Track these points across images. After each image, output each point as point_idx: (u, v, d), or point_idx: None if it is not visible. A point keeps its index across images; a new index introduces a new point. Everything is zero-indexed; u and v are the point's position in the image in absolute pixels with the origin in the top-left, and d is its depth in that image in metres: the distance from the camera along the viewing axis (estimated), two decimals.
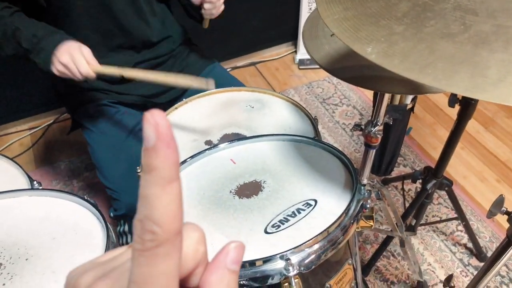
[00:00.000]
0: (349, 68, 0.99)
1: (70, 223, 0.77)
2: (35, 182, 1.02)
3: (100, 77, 1.25)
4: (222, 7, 1.22)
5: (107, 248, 0.70)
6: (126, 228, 1.28)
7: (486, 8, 0.54)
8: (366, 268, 1.53)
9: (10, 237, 0.75)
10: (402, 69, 0.51)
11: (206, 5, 1.19)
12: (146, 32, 1.26)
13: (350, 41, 0.57)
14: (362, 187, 0.73)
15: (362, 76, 0.97)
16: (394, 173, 1.85)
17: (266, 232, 0.70)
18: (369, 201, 0.72)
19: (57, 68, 1.06)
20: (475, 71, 0.49)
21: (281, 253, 0.63)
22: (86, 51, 1.07)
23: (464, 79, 0.48)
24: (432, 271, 1.55)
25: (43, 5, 1.13)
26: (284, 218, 0.72)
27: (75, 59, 1.04)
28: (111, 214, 1.33)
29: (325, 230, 0.66)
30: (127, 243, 1.29)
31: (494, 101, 0.45)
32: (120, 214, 1.24)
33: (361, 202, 0.72)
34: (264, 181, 0.82)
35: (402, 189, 1.77)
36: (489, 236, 1.64)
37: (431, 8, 0.58)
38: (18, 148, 2.02)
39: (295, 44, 2.44)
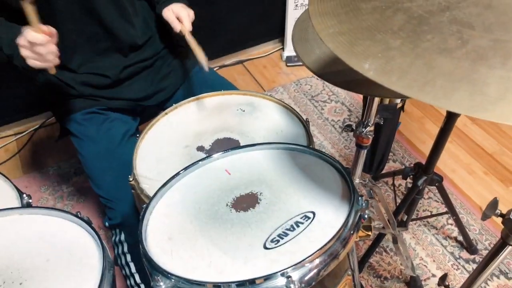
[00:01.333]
0: (340, 72, 0.99)
1: (64, 243, 0.76)
2: (24, 195, 0.99)
3: (87, 82, 1.23)
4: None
5: (104, 270, 0.68)
6: (122, 237, 1.26)
7: (483, 22, 0.54)
8: (360, 265, 1.55)
9: (2, 259, 0.73)
10: (401, 87, 0.51)
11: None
12: (131, 32, 1.24)
13: (346, 56, 0.56)
14: (360, 198, 0.73)
15: (353, 80, 0.96)
16: (384, 169, 1.86)
17: (265, 247, 0.70)
18: (367, 211, 0.72)
19: (24, 55, 1.01)
20: (475, 88, 0.48)
21: (281, 270, 0.63)
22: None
23: (463, 98, 0.48)
24: (424, 265, 1.57)
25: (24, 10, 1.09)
26: (283, 232, 0.72)
27: (25, 33, 0.98)
28: (106, 224, 1.31)
29: (325, 244, 0.65)
30: (123, 253, 1.28)
31: (495, 120, 0.45)
32: (115, 223, 1.22)
33: (359, 213, 0.72)
34: (260, 193, 0.82)
35: (393, 184, 1.78)
36: (479, 229, 1.67)
37: (427, 21, 0.57)
38: (4, 155, 1.98)
39: (282, 41, 2.42)
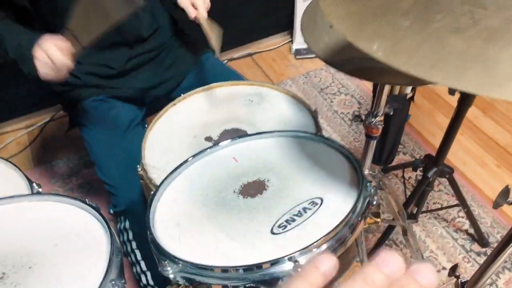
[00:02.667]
0: (350, 60, 0.97)
1: (73, 229, 0.76)
2: (34, 184, 1.00)
3: (92, 72, 1.23)
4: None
5: (112, 254, 0.69)
6: (127, 224, 1.27)
7: (495, 1, 0.53)
8: (369, 257, 1.54)
9: (12, 245, 0.74)
10: (410, 67, 0.50)
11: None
12: (137, 26, 1.24)
13: (355, 38, 0.55)
14: (369, 184, 0.72)
15: (363, 68, 0.95)
16: (394, 161, 1.84)
17: (272, 233, 0.69)
18: (375, 197, 0.72)
19: (38, 67, 1.01)
20: (486, 67, 0.47)
21: (289, 255, 0.62)
22: (57, 41, 0.99)
23: (476, 76, 0.47)
24: (435, 258, 1.55)
25: (29, 8, 1.10)
26: (290, 218, 0.71)
27: (46, 49, 0.98)
28: (111, 211, 1.32)
29: (333, 229, 0.65)
30: (128, 240, 1.28)
31: (508, 99, 0.44)
32: (120, 210, 1.23)
33: (367, 199, 0.71)
34: (268, 180, 0.81)
35: (403, 177, 1.76)
36: (490, 222, 1.64)
37: (437, 1, 0.56)
38: (15, 148, 2.00)
39: (291, 34, 2.41)
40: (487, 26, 0.51)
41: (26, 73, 1.07)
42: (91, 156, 1.27)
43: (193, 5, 1.20)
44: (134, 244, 1.30)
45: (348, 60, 0.95)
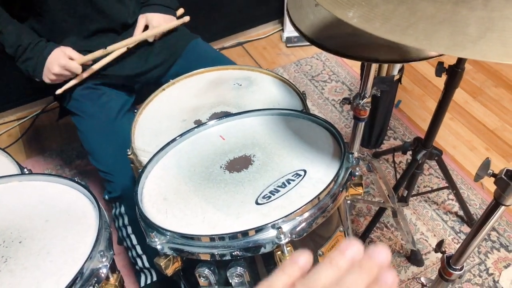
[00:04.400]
0: (334, 37, 0.99)
1: (63, 206, 0.77)
2: (25, 170, 1.01)
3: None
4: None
5: (101, 228, 0.70)
6: (122, 209, 1.29)
7: None
8: (361, 240, 1.56)
9: (2, 221, 0.75)
10: (383, 32, 0.51)
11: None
12: (123, 13, 1.25)
13: (332, 7, 0.57)
14: (350, 155, 0.74)
15: (347, 45, 0.96)
16: (384, 146, 1.86)
17: (257, 203, 0.71)
18: (357, 168, 0.73)
19: (49, 78, 1.20)
20: (455, 29, 0.49)
21: (272, 222, 0.64)
22: (70, 52, 1.18)
23: (444, 38, 0.48)
24: (425, 240, 1.57)
25: None
26: (274, 189, 0.73)
27: (66, 66, 1.17)
28: (106, 197, 1.33)
29: (314, 198, 0.66)
30: (124, 225, 1.30)
31: (474, 57, 0.46)
32: (114, 196, 1.24)
33: (349, 170, 0.73)
34: (253, 155, 0.83)
35: (393, 161, 1.78)
36: (479, 203, 1.67)
37: None
38: (7, 140, 2.01)
39: (282, 22, 2.42)
40: None
41: (22, 70, 1.20)
42: (84, 145, 1.28)
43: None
44: (129, 229, 1.32)
45: (333, 37, 0.96)
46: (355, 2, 0.56)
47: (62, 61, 1.16)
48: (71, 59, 1.18)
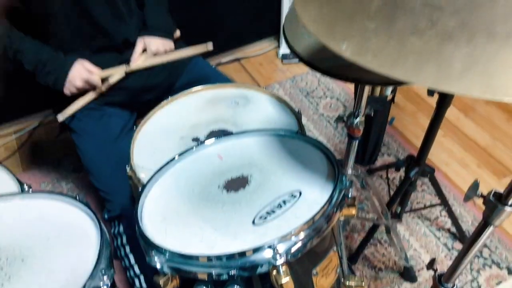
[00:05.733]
0: (328, 59, 1.02)
1: (64, 223, 0.79)
2: (25, 186, 1.03)
3: None
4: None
5: (102, 246, 0.72)
6: (121, 229, 1.30)
7: (453, 4, 0.58)
8: (355, 256, 1.58)
9: (4, 239, 0.77)
10: (375, 65, 0.54)
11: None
12: (125, 32, 1.27)
13: (326, 39, 0.60)
14: (344, 177, 0.77)
15: (341, 67, 0.99)
16: (378, 163, 1.89)
17: (254, 223, 0.73)
18: (350, 190, 0.76)
19: (71, 91, 1.24)
20: (442, 64, 0.52)
21: (268, 242, 0.66)
22: (89, 66, 1.24)
23: (431, 73, 0.51)
24: (418, 256, 1.60)
25: (23, 12, 1.15)
26: (271, 209, 0.75)
27: (88, 80, 1.23)
28: (105, 216, 1.35)
29: (310, 219, 0.69)
30: (122, 245, 1.31)
31: (459, 92, 0.49)
32: (114, 215, 1.25)
33: (343, 192, 0.76)
34: (250, 175, 0.85)
35: (387, 177, 1.81)
36: (471, 220, 1.70)
37: (402, 5, 0.61)
38: (4, 153, 2.01)
39: (278, 39, 2.46)
40: (443, 27, 0.56)
41: (44, 83, 1.24)
42: (84, 163, 1.29)
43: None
44: (127, 249, 1.33)
45: (326, 59, 0.99)
46: (348, 35, 0.60)
47: (85, 76, 1.22)
48: (91, 72, 1.23)
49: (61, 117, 1.26)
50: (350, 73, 0.94)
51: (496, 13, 0.56)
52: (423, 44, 0.54)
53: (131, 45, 1.31)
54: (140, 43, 1.30)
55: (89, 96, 1.28)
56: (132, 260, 1.32)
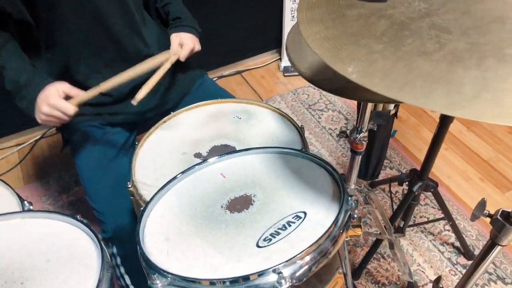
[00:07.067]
0: (332, 78, 1.02)
1: (64, 244, 0.78)
2: (25, 202, 1.02)
3: (88, 103, 1.24)
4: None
5: (103, 268, 0.71)
6: (115, 250, 1.28)
7: (460, 26, 0.57)
8: (357, 271, 1.56)
9: (3, 260, 0.76)
10: (382, 88, 0.54)
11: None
12: (138, 44, 1.26)
13: (332, 61, 0.59)
14: (350, 198, 0.75)
15: (344, 86, 0.99)
16: (381, 176, 1.88)
17: (258, 246, 0.72)
18: (356, 211, 0.75)
19: (40, 118, 1.08)
20: (451, 88, 0.51)
21: (273, 266, 0.65)
22: (66, 89, 1.08)
23: (441, 97, 0.51)
24: (422, 271, 1.58)
25: (31, 24, 1.12)
26: (275, 231, 0.74)
27: (55, 105, 1.05)
28: (100, 236, 1.32)
29: (315, 242, 0.68)
30: (117, 265, 1.29)
31: (470, 118, 0.48)
32: (107, 237, 1.24)
33: (348, 213, 0.74)
34: (254, 195, 0.84)
35: (390, 191, 1.80)
36: (476, 235, 1.68)
37: (408, 27, 0.60)
38: (5, 165, 2.01)
39: (280, 52, 2.47)
40: (452, 49, 0.55)
41: (20, 108, 1.10)
42: (81, 181, 1.27)
43: (180, 44, 1.27)
44: (122, 269, 1.31)
45: (330, 78, 0.99)
46: (354, 57, 0.59)
47: (52, 100, 1.04)
48: (68, 96, 1.08)
49: (134, 101, 1.11)
50: (354, 92, 0.94)
51: (505, 35, 0.56)
52: (432, 67, 0.53)
53: (143, 57, 1.28)
54: (176, 38, 1.27)
55: (158, 74, 1.17)
56: (128, 281, 1.30)
